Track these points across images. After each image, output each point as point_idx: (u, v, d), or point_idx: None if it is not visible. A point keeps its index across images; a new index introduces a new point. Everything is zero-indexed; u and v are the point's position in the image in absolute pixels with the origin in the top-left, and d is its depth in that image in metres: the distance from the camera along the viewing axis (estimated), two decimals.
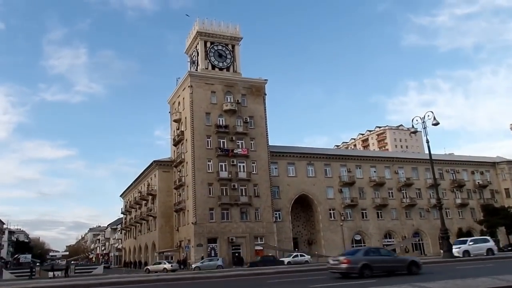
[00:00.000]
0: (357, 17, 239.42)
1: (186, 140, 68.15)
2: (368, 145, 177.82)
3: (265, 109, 71.09)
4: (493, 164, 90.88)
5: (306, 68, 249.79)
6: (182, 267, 59.24)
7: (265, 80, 72.80)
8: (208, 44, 72.30)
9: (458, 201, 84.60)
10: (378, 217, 77.56)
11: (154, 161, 74.02)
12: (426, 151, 37.73)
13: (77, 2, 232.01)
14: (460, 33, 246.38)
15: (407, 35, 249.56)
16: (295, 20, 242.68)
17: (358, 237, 75.23)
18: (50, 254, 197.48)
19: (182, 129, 70.47)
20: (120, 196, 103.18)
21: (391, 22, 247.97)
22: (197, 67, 72.21)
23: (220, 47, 72.69)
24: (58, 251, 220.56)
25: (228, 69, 72.44)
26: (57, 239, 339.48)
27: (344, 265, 22.28)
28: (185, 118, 69.31)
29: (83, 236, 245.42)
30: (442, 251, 35.62)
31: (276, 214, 68.15)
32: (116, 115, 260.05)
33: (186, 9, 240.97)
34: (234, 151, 65.88)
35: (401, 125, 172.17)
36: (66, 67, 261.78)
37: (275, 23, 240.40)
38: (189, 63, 76.17)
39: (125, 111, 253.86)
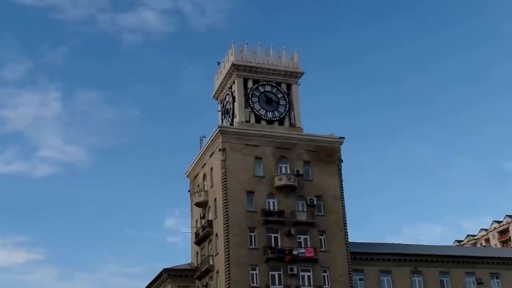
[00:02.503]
0: (479, 40, 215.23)
1: (217, 235, 62.62)
2: (510, 239, 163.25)
3: (341, 184, 65.80)
4: None
5: (404, 118, 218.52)
6: None
7: (340, 138, 67.36)
8: (250, 84, 67.47)
9: None
10: None
11: (165, 269, 67.19)
12: None
13: (48, 22, 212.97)
14: None
15: None
16: (381, 44, 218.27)
17: None
18: None
19: (210, 218, 65.06)
20: None
21: None
22: (232, 120, 67.73)
23: (268, 88, 68.13)
24: None
25: (281, 121, 67.50)
26: None
27: None
28: (215, 200, 63.98)
29: None
30: None
31: None
32: (104, 196, 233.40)
33: (212, 30, 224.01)
34: (294, 253, 59.91)
35: None
36: (28, 120, 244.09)
37: (350, 48, 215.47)
38: (220, 113, 71.98)
39: (118, 189, 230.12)
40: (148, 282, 74.20)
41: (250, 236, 60.19)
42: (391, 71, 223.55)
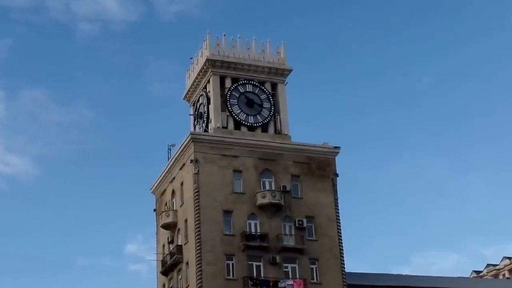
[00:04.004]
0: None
1: (187, 263, 60.42)
2: None
3: (336, 203, 63.80)
4: None
5: (411, 124, 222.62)
6: None
7: (335, 148, 65.64)
8: (228, 83, 65.87)
9: None
10: None
11: None
12: None
13: None
14: None
15: None
16: (381, 35, 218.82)
17: None
18: None
19: (180, 243, 62.98)
20: None
21: None
22: (207, 125, 66.02)
23: (250, 88, 66.41)
24: None
25: (265, 128, 65.85)
26: None
27: None
28: (185, 221, 61.97)
29: None
30: None
31: None
32: (52, 216, 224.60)
33: (183, 19, 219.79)
34: (279, 285, 57.86)
35: None
36: None
37: (345, 41, 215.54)
38: (192, 117, 70.68)
39: (69, 208, 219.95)
40: None
41: (227, 265, 57.89)
42: (393, 67, 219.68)
